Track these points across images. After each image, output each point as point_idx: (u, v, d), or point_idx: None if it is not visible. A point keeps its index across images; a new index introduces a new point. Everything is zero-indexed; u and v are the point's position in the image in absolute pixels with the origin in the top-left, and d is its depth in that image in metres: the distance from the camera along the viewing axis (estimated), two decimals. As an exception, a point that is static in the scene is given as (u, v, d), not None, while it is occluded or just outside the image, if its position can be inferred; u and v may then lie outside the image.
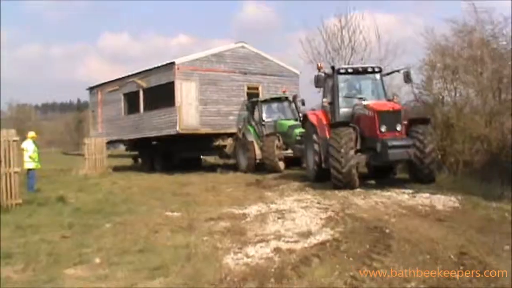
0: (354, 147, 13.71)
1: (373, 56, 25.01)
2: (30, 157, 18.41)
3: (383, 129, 13.71)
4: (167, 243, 8.81)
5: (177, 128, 23.25)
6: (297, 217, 10.29)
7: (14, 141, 14.35)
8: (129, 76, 27.45)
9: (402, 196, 12.29)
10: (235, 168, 23.60)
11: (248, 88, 25.88)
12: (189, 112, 23.54)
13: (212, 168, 25.36)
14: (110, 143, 31.58)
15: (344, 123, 14.41)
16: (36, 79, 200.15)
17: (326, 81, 15.70)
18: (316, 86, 15.87)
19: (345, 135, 13.74)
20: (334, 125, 14.75)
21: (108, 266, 7.52)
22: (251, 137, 21.87)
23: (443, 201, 11.12)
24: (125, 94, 28.15)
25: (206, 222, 10.69)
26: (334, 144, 13.72)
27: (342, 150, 13.49)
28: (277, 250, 7.77)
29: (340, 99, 15.22)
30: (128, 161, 34.15)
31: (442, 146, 16.19)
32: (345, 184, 13.54)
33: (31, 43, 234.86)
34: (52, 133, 75.15)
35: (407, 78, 15.17)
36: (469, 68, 16.37)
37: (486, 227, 8.44)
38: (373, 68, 15.56)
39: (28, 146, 18.61)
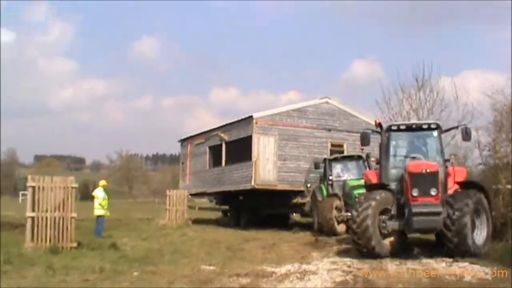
0: (377, 212, 13.03)
1: (451, 117, 24.14)
2: (100, 204, 19.68)
3: (415, 193, 12.96)
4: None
5: (253, 183, 23.75)
6: (314, 278, 10.30)
7: (73, 188, 15.57)
8: (214, 130, 28.66)
9: (439, 264, 11.76)
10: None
11: (332, 145, 25.85)
12: (266, 167, 23.97)
13: (298, 226, 25.42)
14: (199, 195, 32.91)
15: (381, 186, 13.86)
16: (148, 130, 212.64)
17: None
18: (362, 144, 15.19)
19: (370, 198, 13.19)
20: (369, 187, 14.32)
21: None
22: (320, 197, 21.68)
23: (476, 272, 10.60)
24: (210, 147, 29.33)
25: (230, 277, 10.98)
26: (356, 206, 13.32)
27: (359, 211, 12.99)
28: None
29: (391, 159, 14.50)
30: (217, 215, 35.31)
31: (503, 214, 15.15)
32: (364, 247, 12.92)
33: (144, 95, 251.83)
34: (158, 183, 79.05)
35: (466, 135, 14.18)
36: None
37: None
38: (429, 124, 14.67)
39: (99, 194, 19.92)
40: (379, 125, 14.83)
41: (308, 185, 23.70)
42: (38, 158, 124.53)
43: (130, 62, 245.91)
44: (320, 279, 10.15)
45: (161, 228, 25.35)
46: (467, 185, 13.76)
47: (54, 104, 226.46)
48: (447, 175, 13.82)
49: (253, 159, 23.88)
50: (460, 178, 13.99)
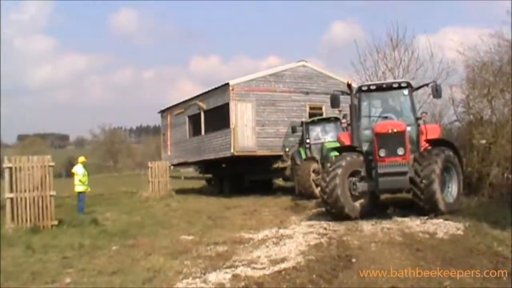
0: (346, 174, 13.01)
1: (427, 75, 24.18)
2: (80, 180, 19.65)
3: (382, 153, 12.95)
4: (145, 266, 9.27)
5: (232, 150, 23.83)
6: (289, 243, 10.45)
7: (50, 166, 15.54)
8: (192, 99, 28.54)
9: (413, 222, 11.93)
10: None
11: (311, 108, 25.87)
12: (245, 134, 24.02)
13: (281, 190, 25.64)
14: (181, 165, 32.99)
15: (352, 147, 13.89)
16: (130, 103, 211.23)
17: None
18: (332, 107, 15.23)
19: (339, 160, 13.23)
20: (339, 149, 14.36)
21: (73, 285, 8.15)
22: (299, 161, 21.68)
23: (449, 228, 10.81)
24: (189, 117, 29.25)
25: (207, 246, 11.14)
26: (326, 168, 13.39)
27: (328, 173, 13.05)
28: (235, 276, 7.96)
29: (363, 120, 14.41)
30: (202, 184, 35.50)
31: (478, 169, 15.34)
32: (333, 208, 13.03)
33: (124, 68, 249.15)
34: (143, 155, 78.83)
35: (436, 92, 14.05)
36: (508, 84, 15.43)
37: (459, 259, 8.16)
38: (399, 83, 14.55)
39: (78, 170, 19.88)
40: (349, 86, 14.73)
41: (287, 149, 23.79)
42: (21, 138, 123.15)
43: (108, 36, 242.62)
44: (295, 243, 10.29)
45: (144, 201, 25.54)
46: (436, 143, 13.68)
47: (34, 82, 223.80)
48: (419, 133, 13.85)
49: (231, 126, 23.91)
50: (433, 135, 13.97)
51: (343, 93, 15.16)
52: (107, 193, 32.20)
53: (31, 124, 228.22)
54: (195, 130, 28.59)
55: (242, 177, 27.91)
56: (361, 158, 13.41)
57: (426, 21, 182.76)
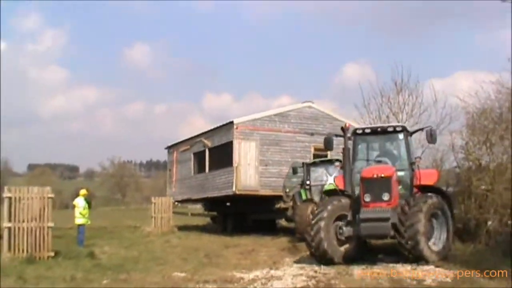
0: (332, 217, 12.92)
1: (431, 120, 24.31)
2: (80, 213, 19.84)
3: (367, 198, 12.83)
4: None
5: (234, 189, 23.93)
6: (277, 284, 10.58)
7: (49, 197, 15.80)
8: (198, 136, 28.81)
9: (404, 268, 11.89)
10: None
11: (316, 149, 25.84)
12: (247, 173, 24.14)
13: (284, 231, 25.57)
14: (185, 201, 33.11)
15: (341, 191, 13.74)
16: (141, 137, 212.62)
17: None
18: (326, 149, 15.18)
19: (326, 204, 13.22)
20: (327, 192, 14.41)
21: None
22: (299, 202, 21.62)
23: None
24: (194, 154, 29.48)
25: (197, 283, 11.27)
26: (313, 212, 13.39)
27: (315, 218, 12.97)
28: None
29: (356, 163, 14.30)
30: (207, 221, 35.51)
31: (476, 216, 15.35)
32: (316, 251, 12.92)
33: (136, 102, 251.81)
34: (151, 189, 79.06)
35: (430, 137, 13.89)
36: (508, 131, 15.53)
37: None
38: (394, 127, 14.45)
39: (79, 203, 20.09)
40: (342, 129, 14.64)
41: (287, 190, 23.83)
42: (32, 167, 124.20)
43: (122, 70, 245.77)
44: (282, 284, 10.36)
45: (145, 236, 25.67)
46: (426, 189, 13.50)
47: (47, 112, 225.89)
48: (413, 178, 13.76)
49: (234, 164, 24.03)
50: (429, 181, 13.88)
51: (337, 135, 14.97)
52: (111, 226, 32.40)
53: (42, 154, 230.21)
54: (200, 167, 28.79)
55: (245, 216, 27.88)
56: (348, 202, 13.28)
57: (440, 64, 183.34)
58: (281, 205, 24.64)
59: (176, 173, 32.24)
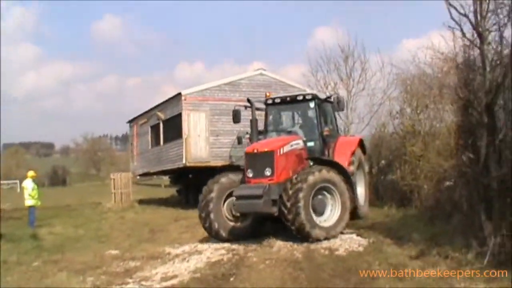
0: (222, 194, 12.67)
1: (379, 86, 24.64)
2: (29, 195, 19.94)
3: (250, 174, 12.28)
4: (46, 283, 9.72)
5: (184, 161, 24.04)
6: (194, 259, 10.87)
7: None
8: (153, 109, 28.73)
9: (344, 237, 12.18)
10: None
11: (269, 117, 26.05)
12: (198, 144, 24.17)
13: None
14: (145, 175, 33.19)
15: (235, 166, 13.70)
16: (116, 111, 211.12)
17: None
18: (234, 122, 14.96)
19: (214, 182, 12.88)
20: (229, 168, 14.24)
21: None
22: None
23: (352, 244, 11.16)
24: (151, 127, 29.47)
25: (124, 261, 11.53)
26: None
27: (206, 197, 12.73)
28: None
29: (268, 135, 14.10)
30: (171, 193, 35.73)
31: (408, 182, 15.69)
32: (212, 236, 12.73)
33: (109, 75, 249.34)
34: (126, 163, 78.78)
35: (337, 105, 13.55)
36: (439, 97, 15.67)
37: (332, 278, 8.58)
38: (304, 96, 13.95)
39: (28, 185, 20.18)
40: (248, 100, 14.52)
41: (234, 159, 23.96)
42: (7, 147, 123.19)
43: (94, 44, 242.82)
44: (197, 260, 10.67)
45: (105, 212, 25.72)
46: (316, 160, 13.02)
47: (20, 91, 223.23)
48: (323, 148, 13.55)
49: (184, 136, 24.05)
50: (346, 150, 13.82)
51: (246, 107, 14.76)
52: (75, 204, 32.48)
53: (17, 133, 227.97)
54: (156, 140, 28.76)
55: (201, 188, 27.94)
56: (240, 177, 12.83)
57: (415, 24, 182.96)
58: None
59: (137, 147, 32.28)
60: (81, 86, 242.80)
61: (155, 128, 28.88)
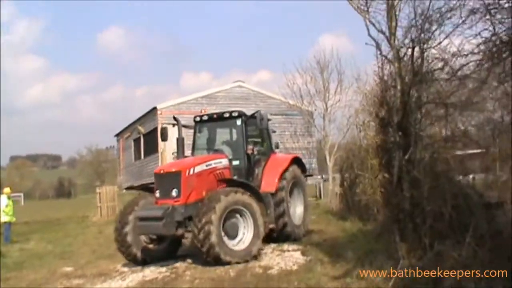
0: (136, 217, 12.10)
1: (354, 97, 24.80)
2: (3, 211, 20.36)
3: (158, 194, 11.99)
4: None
5: (159, 176, 24.15)
6: (133, 277, 11.10)
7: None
8: (135, 122, 29.11)
9: (273, 253, 12.29)
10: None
11: (248, 130, 26.29)
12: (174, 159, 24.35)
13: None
14: (128, 189, 33.52)
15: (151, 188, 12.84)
16: (123, 121, 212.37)
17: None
18: (162, 140, 14.77)
19: (133, 203, 12.53)
20: (144, 188, 14.13)
21: None
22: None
23: (289, 263, 11.08)
24: (134, 140, 29.93)
25: (68, 279, 11.71)
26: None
27: (121, 224, 12.24)
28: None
29: (196, 153, 13.95)
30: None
31: (367, 197, 15.80)
32: (129, 260, 12.41)
33: (115, 85, 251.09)
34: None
35: (259, 122, 13.01)
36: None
37: None
38: (230, 113, 13.62)
39: (2, 201, 20.59)
40: (174, 118, 14.41)
41: None
42: (14, 159, 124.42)
43: (98, 54, 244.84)
44: (131, 278, 10.90)
45: (87, 226, 26.04)
46: (229, 182, 12.53)
47: (26, 103, 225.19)
48: (249, 167, 13.38)
49: (160, 150, 24.30)
50: (277, 168, 13.64)
51: (173, 125, 14.61)
52: (64, 218, 32.82)
53: (25, 146, 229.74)
54: (138, 154, 29.20)
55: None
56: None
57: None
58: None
59: (123, 161, 32.64)
60: (86, 96, 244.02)
61: (137, 142, 29.31)
